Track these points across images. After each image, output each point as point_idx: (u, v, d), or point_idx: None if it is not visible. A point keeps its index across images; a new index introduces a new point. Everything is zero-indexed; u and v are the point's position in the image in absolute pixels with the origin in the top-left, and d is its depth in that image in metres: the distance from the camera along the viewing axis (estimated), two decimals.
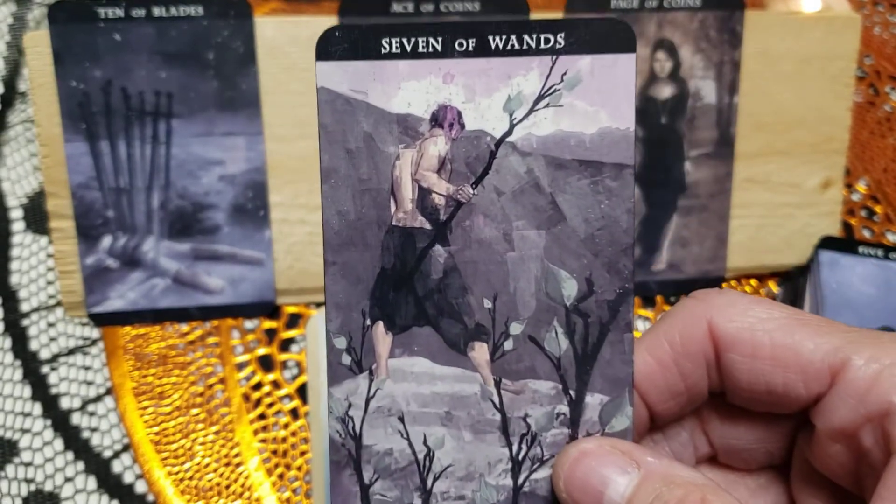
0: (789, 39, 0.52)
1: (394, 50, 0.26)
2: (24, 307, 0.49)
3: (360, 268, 0.26)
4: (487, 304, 0.27)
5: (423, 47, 0.26)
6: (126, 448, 0.46)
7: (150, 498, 0.45)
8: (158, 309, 0.48)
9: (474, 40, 0.25)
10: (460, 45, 0.26)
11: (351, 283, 0.27)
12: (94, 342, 0.49)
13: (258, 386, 0.47)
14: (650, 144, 0.51)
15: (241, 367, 0.48)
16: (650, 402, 0.27)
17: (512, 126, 0.26)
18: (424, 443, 0.27)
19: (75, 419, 0.47)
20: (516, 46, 0.25)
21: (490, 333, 0.27)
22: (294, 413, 0.47)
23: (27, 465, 0.45)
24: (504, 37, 0.25)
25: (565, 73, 0.25)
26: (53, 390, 0.47)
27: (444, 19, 0.48)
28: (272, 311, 0.50)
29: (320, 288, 0.50)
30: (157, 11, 0.46)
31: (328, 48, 0.26)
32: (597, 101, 0.25)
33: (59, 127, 0.46)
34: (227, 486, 0.44)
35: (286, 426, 0.46)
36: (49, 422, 0.46)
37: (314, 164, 0.50)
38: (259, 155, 0.48)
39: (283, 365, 0.48)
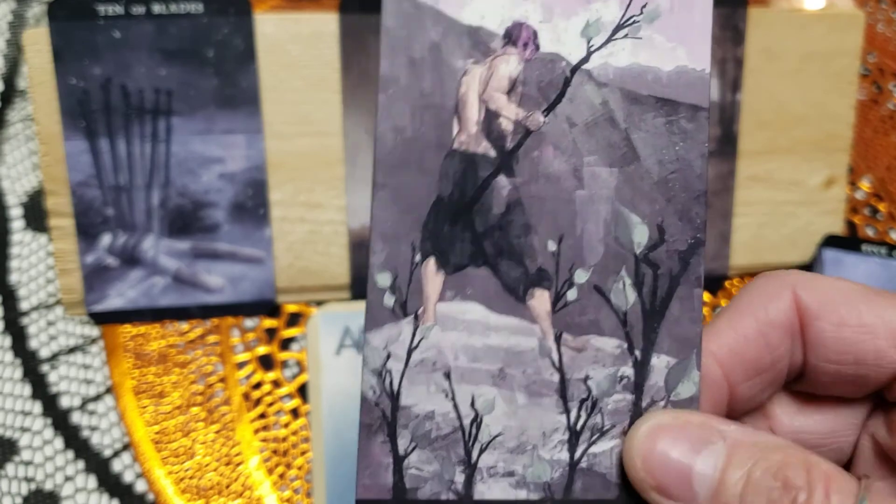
0: (792, 36, 0.51)
1: None
2: (24, 306, 0.49)
3: (414, 194, 0.23)
4: (552, 246, 0.24)
5: None
6: (126, 447, 0.46)
7: (150, 497, 0.44)
8: (158, 307, 0.48)
9: None
10: None
11: (402, 210, 0.23)
12: (93, 341, 0.49)
13: (258, 385, 0.47)
14: None
15: (241, 365, 0.48)
16: (732, 381, 0.25)
17: (589, 53, 0.24)
18: (472, 405, 0.24)
19: (75, 418, 0.47)
20: None
21: (553, 280, 0.24)
22: (294, 412, 0.47)
23: (27, 463, 0.45)
24: None
25: (645, 6, 0.24)
26: (53, 389, 0.47)
27: None
28: (272, 309, 0.49)
29: (321, 286, 0.50)
30: (157, 8, 0.46)
31: None
32: (675, 37, 0.24)
33: (59, 125, 0.46)
34: (228, 486, 0.44)
35: (287, 425, 0.46)
36: (49, 420, 0.46)
37: (314, 161, 0.50)
38: (259, 153, 0.48)
39: (284, 364, 0.48)
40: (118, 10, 0.46)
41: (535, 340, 0.24)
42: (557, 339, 0.24)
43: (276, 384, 0.47)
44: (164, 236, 0.48)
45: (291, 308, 0.50)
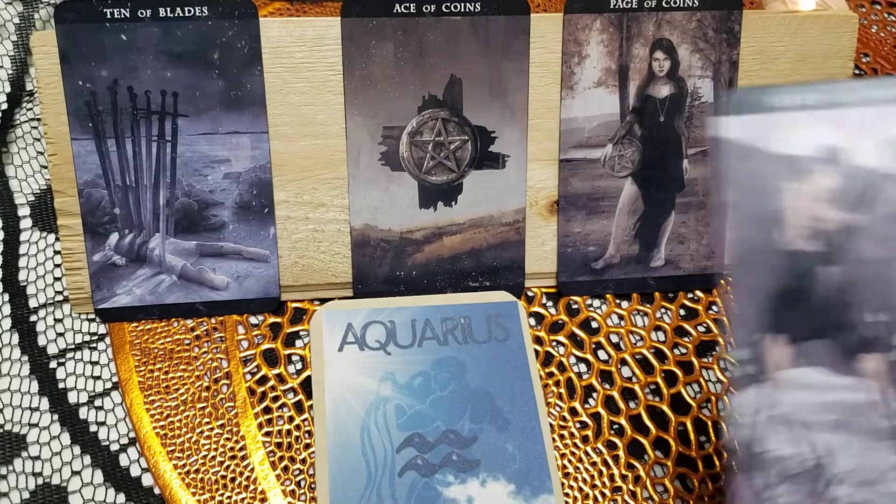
0: (787, 38, 0.52)
1: (788, 104, 0.31)
2: (32, 303, 0.50)
3: (760, 286, 0.30)
4: (881, 316, 0.29)
5: (811, 102, 0.30)
6: (133, 442, 0.46)
7: (157, 491, 0.45)
8: (165, 305, 0.49)
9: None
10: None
11: (752, 301, 0.30)
12: (101, 337, 0.49)
13: (263, 380, 0.48)
14: (649, 142, 0.51)
15: (246, 361, 0.49)
16: None
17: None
18: (819, 449, 0.29)
19: (82, 413, 0.47)
20: None
21: (883, 345, 0.29)
22: (298, 407, 0.47)
23: (35, 458, 0.46)
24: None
25: None
26: (61, 385, 0.48)
27: (446, 19, 0.48)
28: (277, 306, 0.50)
29: (324, 284, 0.50)
30: (163, 11, 0.46)
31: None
32: None
33: (66, 126, 0.47)
34: (233, 479, 0.45)
35: (291, 420, 0.47)
36: (56, 416, 0.47)
37: (318, 162, 0.51)
38: (264, 153, 0.48)
39: (288, 359, 0.49)
40: (124, 13, 0.46)
41: (871, 395, 0.29)
42: (891, 394, 0.29)
43: (281, 380, 0.48)
44: (171, 235, 0.48)
45: (295, 305, 0.51)
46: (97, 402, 0.47)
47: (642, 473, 0.47)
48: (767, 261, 0.30)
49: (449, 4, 0.48)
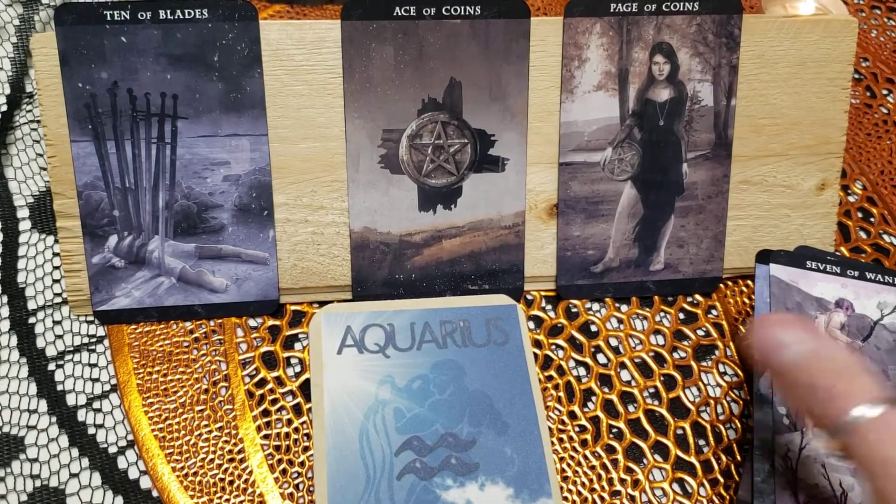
0: (786, 42, 0.52)
1: (813, 267, 0.48)
2: (31, 305, 0.50)
3: None
4: None
5: (828, 268, 0.48)
6: (131, 444, 0.46)
7: (155, 494, 0.45)
8: (164, 307, 0.49)
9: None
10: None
11: None
12: (99, 340, 0.49)
13: (262, 383, 0.48)
14: (648, 146, 0.51)
15: (244, 364, 0.49)
16: None
17: (882, 316, 0.47)
18: (840, 485, 0.42)
19: (81, 416, 0.47)
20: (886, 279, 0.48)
21: None
22: (297, 409, 0.47)
23: (33, 461, 0.46)
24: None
25: None
26: (59, 387, 0.48)
27: (446, 22, 0.48)
28: (276, 309, 0.50)
29: (323, 287, 0.51)
30: (163, 14, 0.46)
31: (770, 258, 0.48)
32: None
33: (66, 127, 0.47)
34: (231, 482, 0.45)
35: (289, 423, 0.47)
36: (55, 418, 0.47)
37: (318, 164, 0.51)
38: (263, 156, 0.49)
39: (287, 362, 0.49)
40: (124, 15, 0.46)
41: None
42: None
43: (280, 382, 0.48)
44: (170, 237, 0.48)
45: (294, 308, 0.51)
46: (96, 405, 0.47)
47: (641, 477, 0.47)
48: None
49: (449, 7, 0.48)
